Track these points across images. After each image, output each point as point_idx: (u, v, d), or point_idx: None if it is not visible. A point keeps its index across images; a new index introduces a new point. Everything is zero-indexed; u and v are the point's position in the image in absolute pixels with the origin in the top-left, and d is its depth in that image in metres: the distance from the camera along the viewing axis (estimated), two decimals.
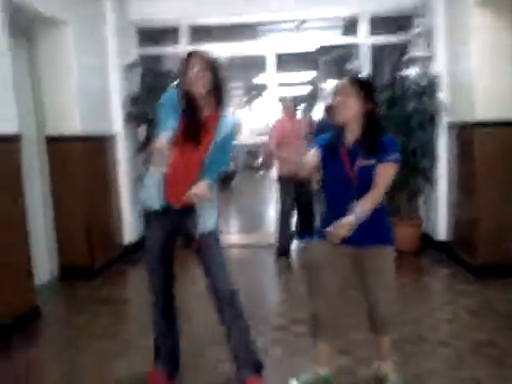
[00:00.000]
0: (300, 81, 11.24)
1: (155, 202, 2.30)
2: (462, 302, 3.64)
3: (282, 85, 7.02)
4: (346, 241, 2.14)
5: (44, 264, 4.24)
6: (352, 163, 2.18)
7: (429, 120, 4.73)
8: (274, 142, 4.71)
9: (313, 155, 2.29)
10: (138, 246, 5.13)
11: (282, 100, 5.03)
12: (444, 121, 4.76)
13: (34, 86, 4.24)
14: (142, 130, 5.14)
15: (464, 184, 4.42)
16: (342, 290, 2.35)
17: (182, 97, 2.26)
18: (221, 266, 2.40)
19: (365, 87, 2.19)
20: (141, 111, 4.78)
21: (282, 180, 4.80)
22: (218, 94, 2.28)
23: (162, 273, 2.43)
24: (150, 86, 4.92)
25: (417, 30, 4.99)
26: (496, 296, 3.69)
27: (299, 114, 5.82)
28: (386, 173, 2.15)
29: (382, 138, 2.19)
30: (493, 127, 4.02)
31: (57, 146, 4.26)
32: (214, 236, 2.39)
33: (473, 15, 4.01)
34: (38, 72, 4.25)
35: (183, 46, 5.37)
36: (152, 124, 4.81)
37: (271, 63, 5.52)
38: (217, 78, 2.25)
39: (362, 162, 2.16)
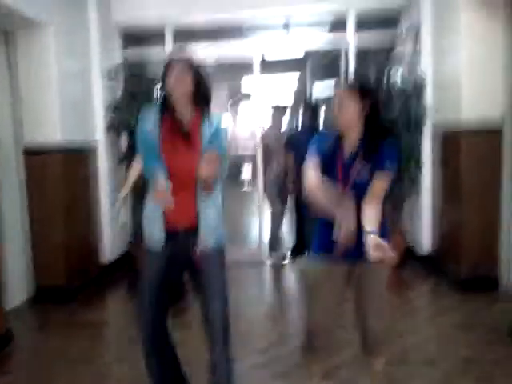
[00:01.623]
0: (287, 84, 11.15)
1: (157, 242, 2.20)
2: (447, 316, 3.63)
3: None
4: (342, 257, 2.12)
5: (19, 285, 4.10)
6: (346, 177, 2.13)
7: (415, 123, 4.64)
8: None
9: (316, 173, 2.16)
10: (118, 265, 5.03)
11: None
12: (429, 123, 4.71)
13: (13, 91, 4.10)
14: (124, 140, 5.00)
15: (447, 191, 4.40)
16: (336, 307, 2.33)
17: (161, 101, 2.20)
18: (219, 295, 2.23)
19: (360, 91, 2.14)
20: (123, 119, 4.63)
21: None
22: (199, 97, 2.20)
23: (154, 308, 2.26)
24: (133, 93, 4.75)
25: (404, 28, 4.91)
26: (482, 309, 3.69)
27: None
28: (380, 184, 2.11)
29: (384, 142, 2.14)
30: (478, 127, 3.98)
31: (35, 157, 4.10)
32: (217, 255, 2.24)
33: (462, 11, 3.95)
34: (16, 76, 4.11)
35: (168, 49, 5.26)
36: (134, 133, 4.69)
37: (257, 64, 5.41)
38: (199, 81, 2.17)
39: (356, 175, 2.12)
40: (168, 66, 2.16)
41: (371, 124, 2.16)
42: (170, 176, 2.11)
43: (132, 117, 4.55)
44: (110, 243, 4.97)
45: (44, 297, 4.19)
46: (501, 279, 4.07)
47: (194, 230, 2.19)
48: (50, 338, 3.52)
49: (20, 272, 4.12)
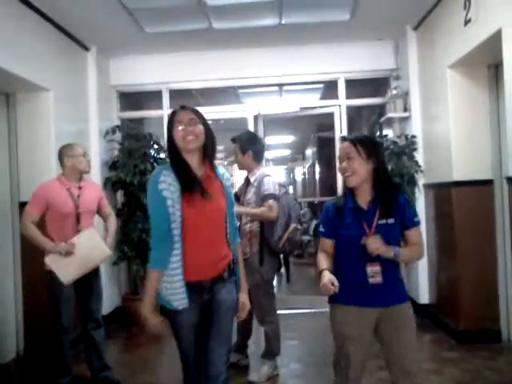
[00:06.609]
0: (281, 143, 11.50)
1: (181, 300, 2.06)
2: (448, 371, 3.49)
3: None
4: (371, 302, 2.13)
5: (10, 340, 4.00)
6: (368, 225, 2.13)
7: (407, 181, 4.72)
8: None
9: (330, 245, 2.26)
10: (114, 317, 4.95)
11: None
12: (421, 182, 4.79)
13: (11, 152, 4.17)
14: (120, 196, 5.08)
15: (443, 246, 4.37)
16: (366, 358, 2.25)
17: (169, 153, 2.11)
18: (226, 341, 2.18)
19: (366, 145, 2.16)
20: (119, 176, 4.71)
21: None
22: (209, 147, 2.12)
23: (196, 357, 2.18)
24: (129, 150, 4.90)
25: (394, 92, 5.10)
26: (484, 364, 3.56)
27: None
28: (419, 236, 2.23)
29: (398, 198, 2.19)
30: (470, 186, 4.01)
31: None
32: (233, 307, 2.24)
33: (447, 77, 4.10)
34: (15, 137, 4.20)
35: (165, 110, 5.46)
36: (130, 189, 4.75)
37: (252, 126, 5.58)
38: (208, 129, 2.11)
39: (380, 221, 2.13)
40: (173, 117, 2.08)
41: (382, 176, 2.18)
42: (194, 229, 2.04)
43: (128, 174, 4.65)
44: (108, 296, 4.72)
45: (34, 352, 4.04)
46: (502, 332, 3.96)
47: (221, 279, 2.15)
48: None
49: (10, 327, 4.03)
